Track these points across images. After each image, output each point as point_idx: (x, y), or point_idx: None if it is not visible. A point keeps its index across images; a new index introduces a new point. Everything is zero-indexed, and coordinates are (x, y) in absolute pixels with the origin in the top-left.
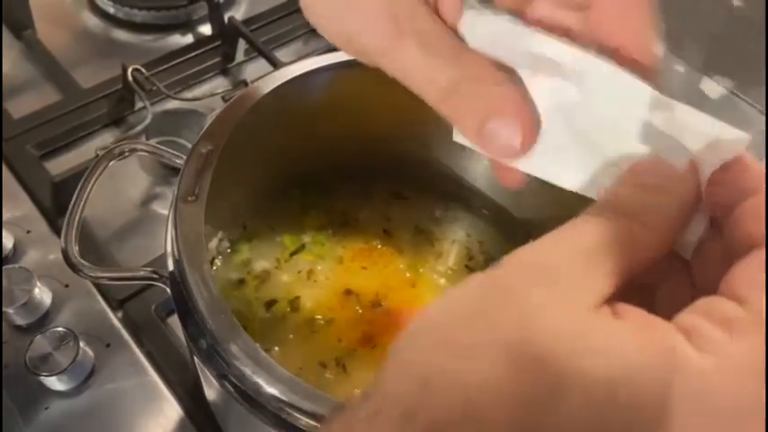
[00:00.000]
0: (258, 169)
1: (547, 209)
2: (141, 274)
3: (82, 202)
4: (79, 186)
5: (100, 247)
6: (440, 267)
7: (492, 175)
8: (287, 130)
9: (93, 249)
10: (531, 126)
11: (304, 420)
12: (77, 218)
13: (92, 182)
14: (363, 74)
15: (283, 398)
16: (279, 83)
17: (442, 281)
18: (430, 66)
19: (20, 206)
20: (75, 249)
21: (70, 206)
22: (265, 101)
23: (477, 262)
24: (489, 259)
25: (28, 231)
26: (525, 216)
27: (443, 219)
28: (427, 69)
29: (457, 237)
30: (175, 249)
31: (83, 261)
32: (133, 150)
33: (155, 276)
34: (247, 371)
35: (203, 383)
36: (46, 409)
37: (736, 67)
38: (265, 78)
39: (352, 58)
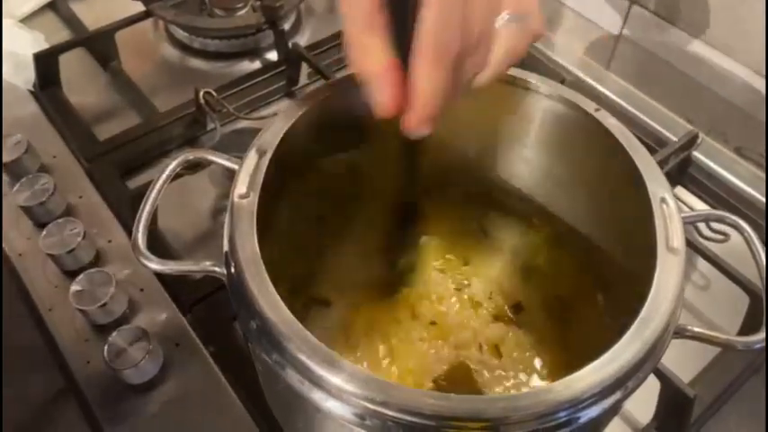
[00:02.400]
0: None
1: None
2: (201, 266)
3: (151, 199)
4: (150, 188)
5: (174, 256)
6: None
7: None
8: (332, 138)
9: (169, 256)
10: None
11: (359, 402)
12: (146, 213)
13: (160, 182)
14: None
15: (333, 379)
16: (325, 95)
17: None
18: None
19: (103, 219)
20: (142, 241)
21: (142, 204)
22: (313, 110)
23: None
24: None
25: (109, 241)
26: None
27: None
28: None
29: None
30: (228, 240)
31: (149, 253)
32: (199, 158)
33: (215, 270)
34: (289, 345)
35: (257, 367)
36: (121, 401)
37: None
38: (313, 90)
39: None
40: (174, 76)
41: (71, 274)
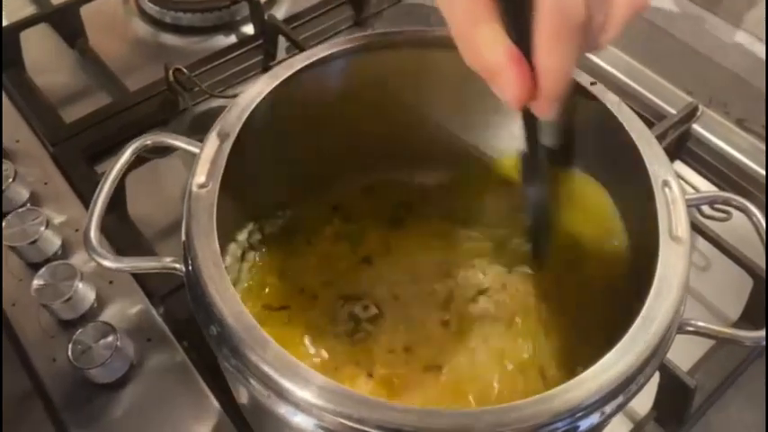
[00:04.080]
0: (280, 158)
1: None
2: (161, 263)
3: (105, 190)
4: (104, 178)
5: (144, 245)
6: None
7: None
8: (305, 117)
9: (139, 247)
10: None
11: (332, 419)
12: (99, 205)
13: (114, 172)
14: (381, 58)
15: (301, 393)
16: (295, 69)
17: None
18: None
19: (69, 207)
20: (95, 236)
21: (95, 195)
22: (281, 87)
23: None
24: None
25: (76, 230)
26: None
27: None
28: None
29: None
30: (185, 236)
31: (102, 249)
32: (158, 143)
33: (176, 267)
34: (253, 356)
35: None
36: (88, 402)
37: None
38: (284, 64)
39: (367, 42)
40: (145, 53)
41: (35, 267)
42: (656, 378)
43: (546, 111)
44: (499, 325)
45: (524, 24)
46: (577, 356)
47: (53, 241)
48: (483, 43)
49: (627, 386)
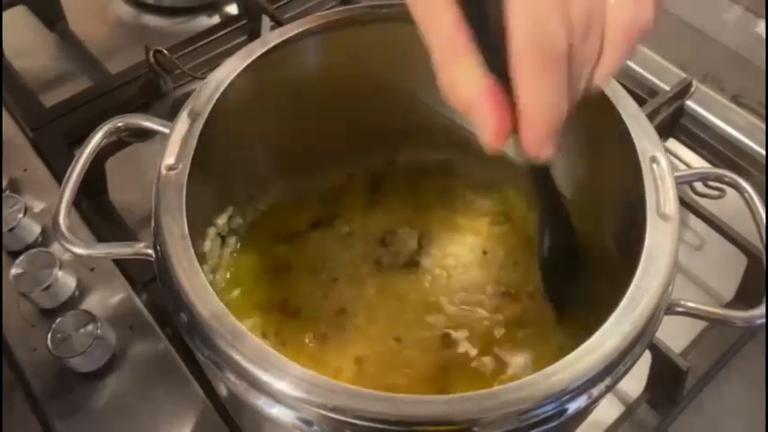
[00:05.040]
0: (258, 141)
1: None
2: (134, 249)
3: (75, 175)
4: (74, 162)
5: (127, 232)
6: None
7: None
8: (280, 96)
9: (121, 234)
10: None
11: (309, 409)
12: (68, 191)
13: (84, 155)
14: (361, 33)
15: (276, 384)
16: (269, 45)
17: None
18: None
19: (49, 194)
20: (64, 223)
21: (64, 180)
22: (251, 67)
23: None
24: None
25: None
26: None
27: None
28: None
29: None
30: (154, 220)
31: (71, 236)
32: (130, 125)
33: (148, 252)
34: (225, 347)
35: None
36: (70, 392)
37: None
38: (258, 41)
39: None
40: (127, 35)
41: (15, 255)
42: (647, 360)
43: (534, 150)
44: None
45: (503, 57)
46: None
47: (32, 229)
48: (459, 78)
49: (614, 368)
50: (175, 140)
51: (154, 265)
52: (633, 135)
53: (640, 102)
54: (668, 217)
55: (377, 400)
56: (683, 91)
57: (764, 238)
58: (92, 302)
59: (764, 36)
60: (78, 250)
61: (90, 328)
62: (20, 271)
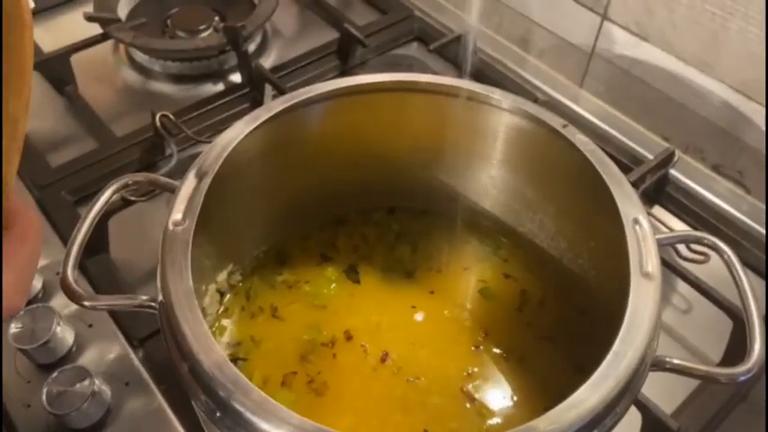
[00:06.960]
0: (262, 200)
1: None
2: (138, 301)
3: (83, 230)
4: (83, 217)
5: (125, 288)
6: None
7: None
8: (284, 158)
9: (120, 290)
10: None
11: None
12: (76, 246)
13: (94, 211)
14: (360, 101)
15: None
16: (274, 111)
17: None
18: None
19: (53, 251)
20: (72, 276)
21: (73, 234)
22: (261, 128)
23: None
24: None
25: (57, 273)
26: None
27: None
28: None
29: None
30: (160, 272)
31: (78, 289)
32: (138, 182)
33: (152, 305)
34: (225, 395)
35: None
36: None
37: None
38: (263, 107)
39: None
40: (134, 100)
41: None
42: (638, 420)
43: None
44: None
45: None
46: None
47: (34, 284)
48: None
49: (600, 421)
50: (183, 197)
51: (157, 316)
52: (616, 199)
53: (626, 170)
54: (651, 276)
55: None
56: (667, 160)
57: (746, 297)
58: (89, 358)
59: (742, 109)
60: (84, 302)
61: (86, 383)
62: (20, 326)
